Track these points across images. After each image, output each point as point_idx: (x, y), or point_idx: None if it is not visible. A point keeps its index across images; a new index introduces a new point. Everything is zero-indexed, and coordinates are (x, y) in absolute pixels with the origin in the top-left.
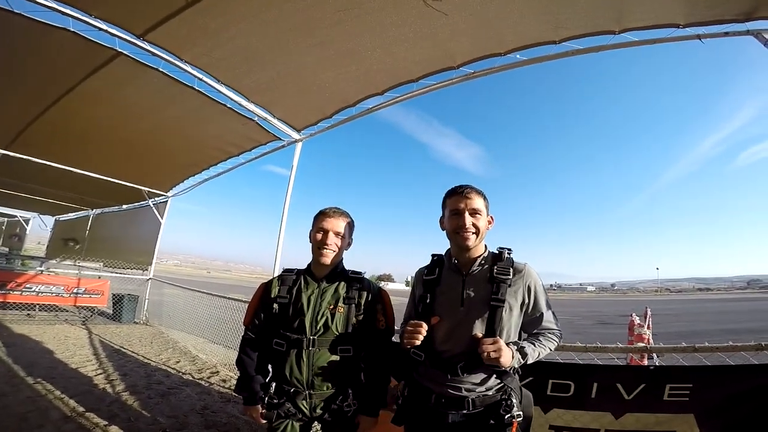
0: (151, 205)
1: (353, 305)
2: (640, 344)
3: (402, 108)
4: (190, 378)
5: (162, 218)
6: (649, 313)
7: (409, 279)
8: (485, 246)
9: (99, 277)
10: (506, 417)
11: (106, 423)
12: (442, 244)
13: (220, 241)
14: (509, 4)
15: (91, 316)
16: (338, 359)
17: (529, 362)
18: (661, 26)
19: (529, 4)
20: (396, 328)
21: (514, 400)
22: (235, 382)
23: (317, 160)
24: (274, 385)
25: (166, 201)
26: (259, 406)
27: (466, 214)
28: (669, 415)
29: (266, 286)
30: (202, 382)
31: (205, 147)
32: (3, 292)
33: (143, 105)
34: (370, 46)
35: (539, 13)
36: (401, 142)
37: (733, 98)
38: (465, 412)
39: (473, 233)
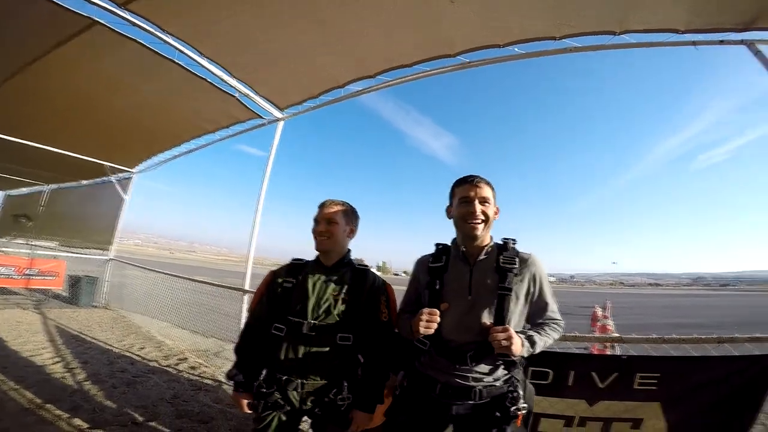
0: (114, 182)
1: (357, 294)
2: (612, 334)
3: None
4: (157, 365)
5: (125, 195)
6: (609, 305)
7: (381, 264)
8: (491, 236)
9: (54, 257)
10: (512, 409)
11: (69, 415)
12: (416, 231)
13: (185, 220)
14: None
15: (45, 299)
16: (337, 347)
17: (536, 351)
18: (662, 31)
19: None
20: None
21: (520, 392)
22: (204, 369)
23: (290, 142)
24: (264, 372)
25: (131, 177)
26: (248, 394)
27: (476, 202)
28: (637, 403)
29: (274, 273)
30: (170, 370)
31: (179, 122)
32: None
33: (116, 78)
34: (367, 28)
35: (546, 8)
36: (379, 128)
37: (697, 102)
38: (471, 402)
39: (482, 221)
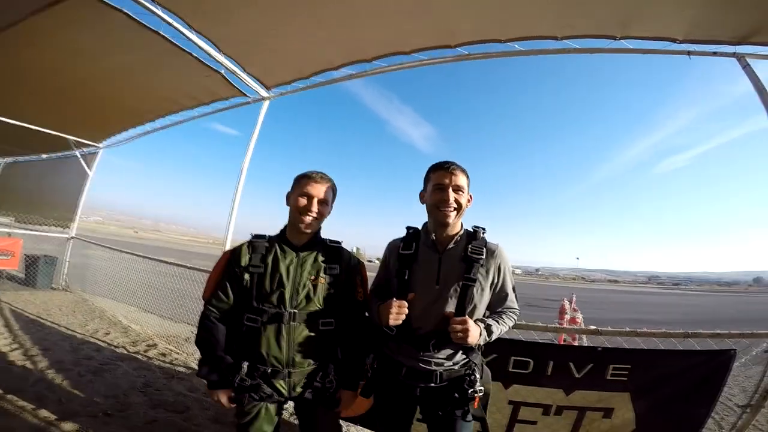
0: (79, 156)
1: (334, 275)
2: (589, 327)
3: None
4: (125, 352)
5: (90, 171)
6: (574, 298)
7: (355, 250)
8: (461, 224)
9: (9, 235)
10: (470, 391)
11: (34, 406)
12: (391, 217)
13: (150, 199)
14: None
15: None
16: (320, 333)
17: (491, 339)
18: (660, 39)
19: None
20: None
21: (477, 376)
22: (176, 356)
23: (265, 123)
24: (245, 365)
25: (97, 152)
26: (228, 389)
27: (450, 190)
28: (609, 393)
29: (232, 254)
30: (139, 357)
31: (156, 97)
32: None
33: (92, 49)
34: (369, 11)
35: (554, 8)
36: (359, 113)
37: (668, 108)
38: (432, 385)
39: (455, 209)
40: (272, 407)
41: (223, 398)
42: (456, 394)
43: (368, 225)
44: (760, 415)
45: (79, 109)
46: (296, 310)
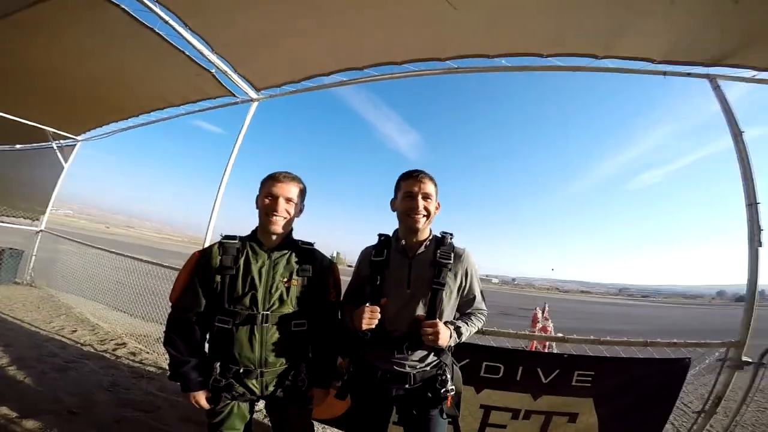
0: (55, 148)
1: (307, 277)
2: (556, 334)
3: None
4: (92, 350)
5: (66, 163)
6: (546, 308)
7: (335, 254)
8: (430, 230)
9: None
10: (442, 391)
11: None
12: (375, 222)
13: (125, 193)
14: (516, 11)
15: None
16: (292, 333)
17: (462, 340)
18: (639, 59)
19: (532, 16)
20: None
21: (448, 376)
22: (146, 355)
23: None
24: (218, 365)
25: (75, 145)
26: (204, 391)
27: (419, 197)
28: (574, 399)
29: (202, 255)
30: (107, 355)
31: (142, 93)
32: None
33: (82, 43)
34: (366, 21)
35: (543, 27)
36: (347, 117)
37: (643, 125)
38: (407, 386)
39: (424, 216)
40: (244, 406)
41: (201, 400)
42: (429, 394)
43: (356, 231)
44: (716, 421)
45: (60, 100)
46: (269, 312)
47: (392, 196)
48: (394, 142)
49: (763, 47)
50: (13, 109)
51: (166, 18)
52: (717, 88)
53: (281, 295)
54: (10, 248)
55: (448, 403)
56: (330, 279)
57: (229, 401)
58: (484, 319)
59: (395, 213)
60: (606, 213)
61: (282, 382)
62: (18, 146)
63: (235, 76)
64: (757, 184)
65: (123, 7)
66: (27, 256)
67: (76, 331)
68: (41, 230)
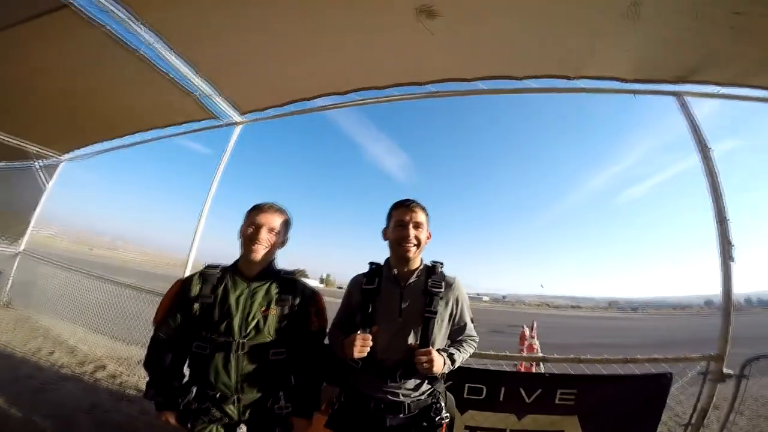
0: (36, 167)
1: (286, 307)
2: (537, 354)
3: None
4: (70, 372)
5: (48, 183)
6: (535, 325)
7: (325, 276)
8: (421, 259)
9: None
10: (437, 419)
11: None
12: (365, 245)
13: (108, 215)
14: (490, 35)
15: None
16: (270, 363)
17: (455, 367)
18: (610, 78)
19: (506, 39)
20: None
21: (442, 403)
22: (126, 378)
23: (241, 145)
24: (194, 389)
25: (58, 164)
26: (174, 412)
27: (410, 226)
28: (559, 417)
29: (184, 284)
30: (86, 378)
31: (127, 114)
32: None
33: (69, 60)
34: (346, 46)
35: (515, 50)
36: (336, 139)
37: (627, 140)
38: (402, 415)
39: (415, 245)
40: (221, 430)
41: (171, 419)
42: (424, 423)
43: (347, 253)
44: None
45: (44, 118)
46: (245, 340)
47: (382, 217)
48: (383, 164)
49: (723, 62)
50: None
51: (151, 41)
52: (684, 106)
53: (258, 324)
54: None
55: (443, 430)
56: (312, 309)
57: (206, 424)
58: (475, 345)
59: (387, 242)
60: (592, 228)
61: (261, 409)
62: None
63: (218, 99)
64: (726, 200)
65: (107, 28)
66: (4, 277)
67: (53, 353)
68: (20, 252)
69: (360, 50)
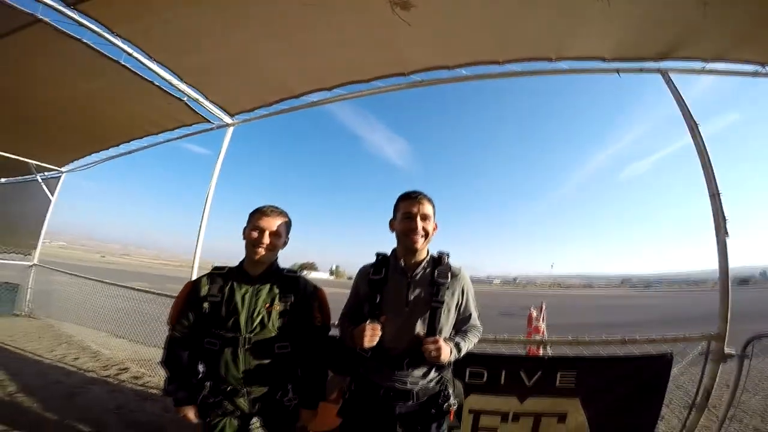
0: (40, 180)
1: (289, 303)
2: (538, 336)
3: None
4: (96, 376)
5: (52, 195)
6: (544, 307)
7: (334, 268)
8: (428, 250)
9: None
10: (444, 406)
11: (6, 428)
12: (372, 235)
13: (117, 221)
14: (467, 21)
15: None
16: (276, 356)
17: (461, 356)
18: (591, 58)
19: (483, 25)
20: (333, 322)
21: (450, 391)
22: (149, 379)
23: (240, 144)
24: (208, 384)
25: (59, 176)
26: (193, 406)
27: (418, 218)
28: (561, 399)
29: (194, 285)
30: (111, 380)
31: (121, 124)
32: None
33: (54, 75)
34: (327, 43)
35: (492, 35)
36: (335, 131)
37: (626, 118)
38: (411, 403)
39: (422, 236)
40: (235, 422)
41: (190, 413)
42: (432, 410)
43: (356, 244)
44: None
45: (41, 133)
46: (251, 335)
47: (387, 207)
48: (382, 151)
49: (703, 38)
50: None
51: (130, 50)
52: (669, 82)
53: (263, 320)
54: (5, 282)
55: (451, 417)
56: (315, 304)
57: (221, 418)
58: (479, 334)
59: (394, 233)
60: (601, 205)
61: (269, 401)
62: (2, 180)
63: (207, 103)
64: (717, 174)
65: (85, 41)
66: (23, 289)
67: (78, 358)
68: (34, 264)
69: (339, 46)
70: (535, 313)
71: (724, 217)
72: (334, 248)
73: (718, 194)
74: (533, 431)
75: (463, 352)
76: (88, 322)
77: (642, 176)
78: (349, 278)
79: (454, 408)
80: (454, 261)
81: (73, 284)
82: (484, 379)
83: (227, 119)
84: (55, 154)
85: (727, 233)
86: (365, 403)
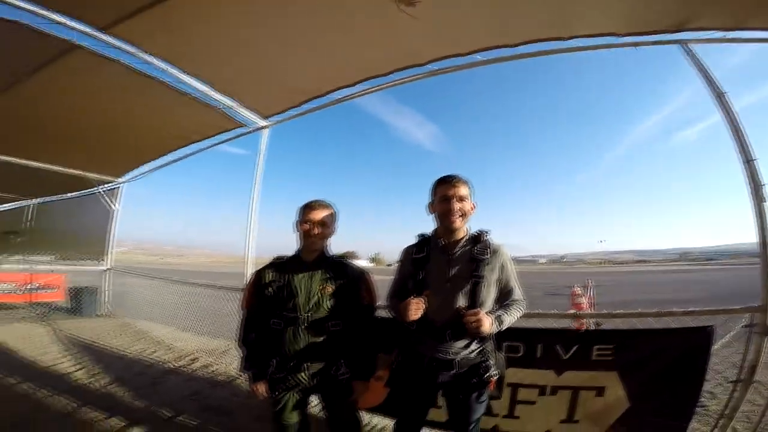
0: (101, 193)
1: (339, 285)
2: (570, 311)
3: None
4: (171, 366)
5: (115, 205)
6: (590, 284)
7: (374, 255)
8: (467, 228)
9: (52, 271)
10: (485, 376)
11: (106, 415)
12: (408, 220)
13: (170, 224)
14: (473, 11)
15: (48, 312)
16: (330, 333)
17: (503, 328)
18: (604, 34)
19: (492, 11)
20: (380, 302)
21: (491, 362)
22: (216, 367)
23: (278, 145)
24: (275, 361)
25: (118, 187)
26: (264, 381)
27: (454, 200)
28: (598, 373)
29: (259, 273)
30: (185, 370)
31: (165, 135)
32: None
33: (100, 95)
34: (342, 43)
35: (499, 19)
36: (363, 121)
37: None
38: (453, 372)
39: (460, 217)
40: (297, 396)
41: (262, 388)
42: (474, 380)
43: (396, 231)
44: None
45: (96, 148)
46: (308, 315)
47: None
48: (412, 137)
49: (719, 7)
50: (55, 160)
51: (164, 67)
52: (689, 53)
53: (318, 301)
54: (87, 286)
55: (491, 387)
56: (362, 285)
57: (285, 392)
58: (522, 308)
59: (432, 215)
60: (653, 176)
61: (326, 375)
62: (70, 195)
63: (241, 109)
64: (750, 140)
65: (123, 62)
66: (101, 291)
67: (155, 352)
68: (108, 268)
69: (355, 46)
70: (579, 291)
71: (761, 182)
72: (374, 235)
73: (754, 159)
74: (571, 404)
75: (505, 325)
76: (158, 318)
77: (691, 143)
78: (389, 265)
79: (494, 378)
80: (494, 238)
81: (143, 285)
82: (521, 352)
83: (262, 122)
84: (112, 166)
85: (764, 198)
86: (411, 373)
